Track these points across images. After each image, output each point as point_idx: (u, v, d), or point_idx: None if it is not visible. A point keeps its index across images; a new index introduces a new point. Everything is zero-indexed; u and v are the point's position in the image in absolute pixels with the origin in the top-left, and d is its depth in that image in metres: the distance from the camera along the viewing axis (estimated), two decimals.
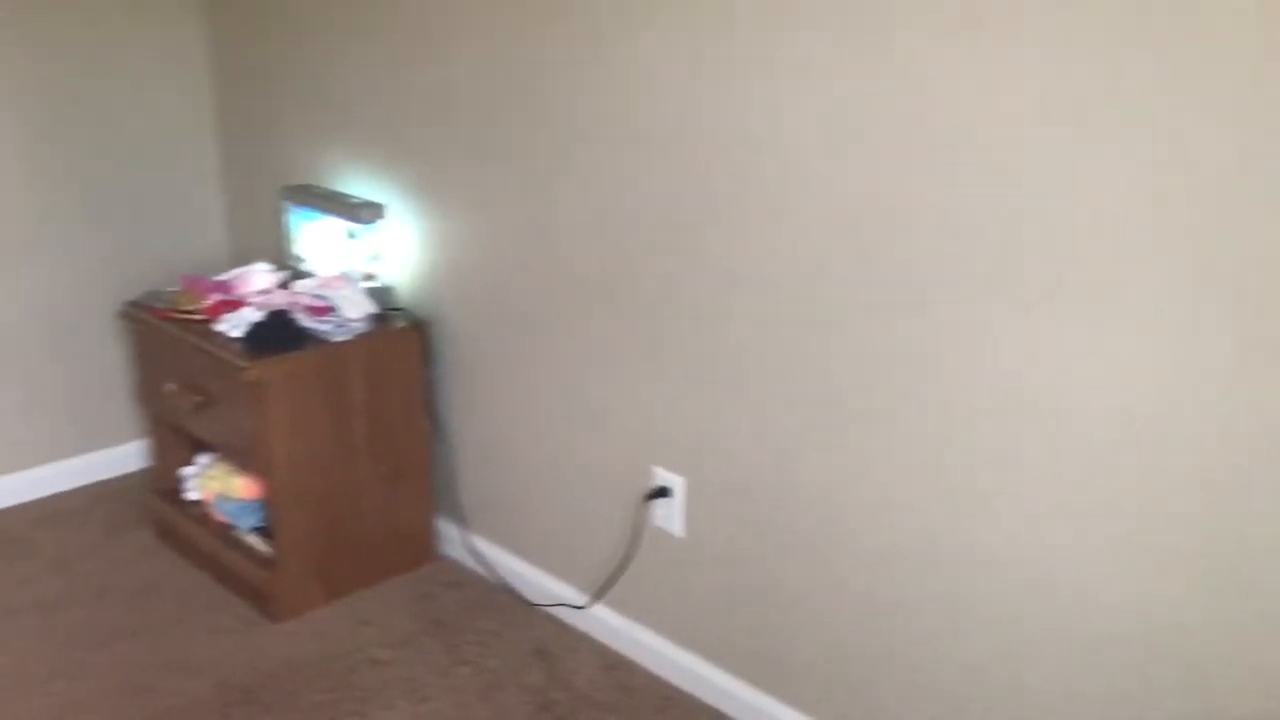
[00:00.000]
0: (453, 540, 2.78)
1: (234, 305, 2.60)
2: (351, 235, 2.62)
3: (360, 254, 2.63)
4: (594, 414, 2.34)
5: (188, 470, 2.86)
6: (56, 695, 2.27)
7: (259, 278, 2.73)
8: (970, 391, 1.73)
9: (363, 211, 2.60)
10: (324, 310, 2.52)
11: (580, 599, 2.47)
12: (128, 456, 3.22)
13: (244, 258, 3.18)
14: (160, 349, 2.65)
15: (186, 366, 2.57)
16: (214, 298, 2.62)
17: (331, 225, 2.68)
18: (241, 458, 2.57)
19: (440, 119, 2.49)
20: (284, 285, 2.74)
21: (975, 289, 1.68)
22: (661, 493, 2.22)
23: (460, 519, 2.73)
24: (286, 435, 2.44)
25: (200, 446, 2.86)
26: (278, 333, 2.45)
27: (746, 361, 2.02)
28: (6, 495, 3.01)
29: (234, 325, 2.51)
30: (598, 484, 2.37)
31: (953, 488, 1.79)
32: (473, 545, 2.70)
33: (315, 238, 2.74)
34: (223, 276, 2.76)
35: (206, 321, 2.57)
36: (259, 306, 2.59)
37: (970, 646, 1.83)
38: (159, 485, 2.88)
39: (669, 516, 2.23)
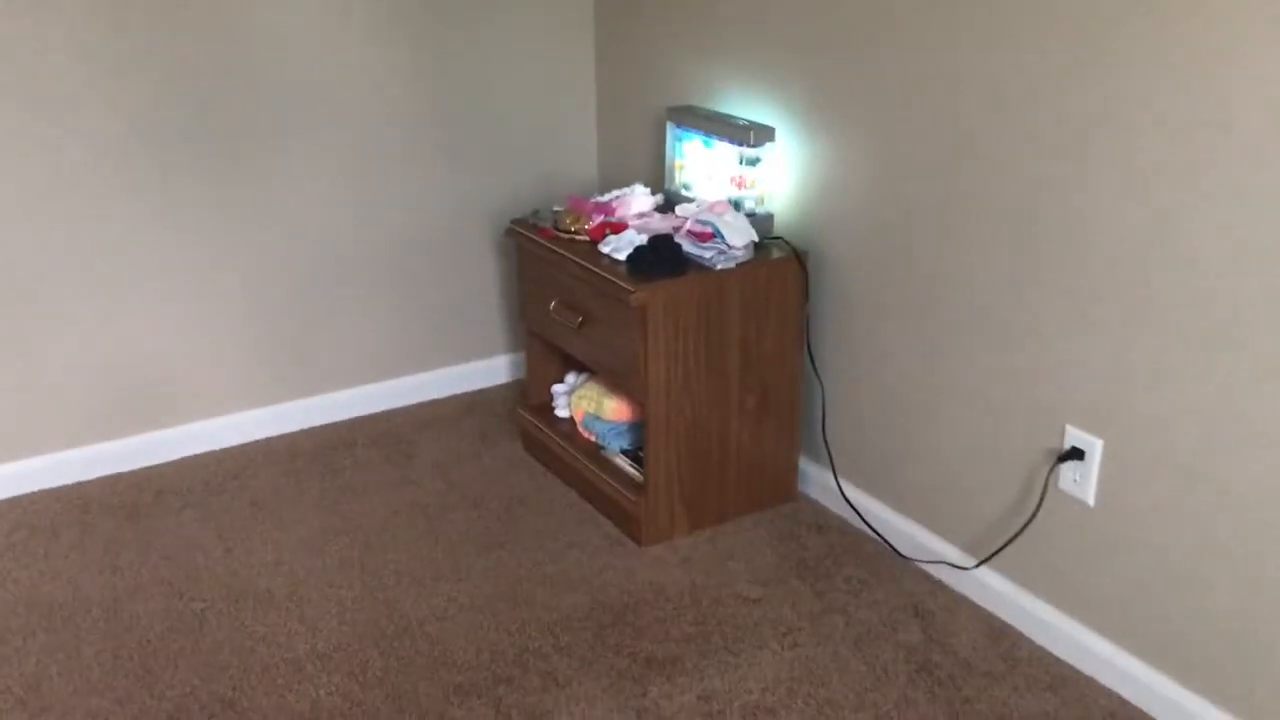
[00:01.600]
0: (814, 481, 2.69)
1: (617, 227, 2.59)
2: (740, 160, 2.53)
3: (744, 178, 2.54)
4: (994, 362, 2.16)
5: (558, 387, 2.91)
6: (443, 595, 2.37)
7: (639, 200, 2.71)
8: None
9: (753, 135, 2.51)
10: (707, 236, 2.46)
11: (963, 559, 2.31)
12: (496, 370, 3.33)
13: (613, 181, 3.19)
14: (544, 267, 2.68)
15: (569, 286, 2.59)
16: (597, 219, 2.62)
17: (715, 148, 2.60)
18: (617, 379, 2.57)
19: (830, 35, 2.35)
20: (661, 209, 2.71)
21: None
22: (1073, 455, 2.02)
23: (826, 460, 2.63)
24: (664, 360, 2.41)
25: (571, 364, 2.91)
26: (661, 258, 2.41)
27: (1191, 312, 1.78)
28: (391, 398, 3.19)
29: (617, 248, 2.49)
30: (993, 440, 2.20)
31: None
32: (839, 489, 2.59)
33: (697, 160, 2.68)
34: (604, 198, 2.76)
35: (590, 242, 2.57)
36: (641, 229, 2.56)
37: None
38: (529, 400, 2.95)
39: (1080, 482, 2.03)
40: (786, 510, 2.67)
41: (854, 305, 2.48)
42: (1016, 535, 2.16)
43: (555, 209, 2.72)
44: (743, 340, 2.50)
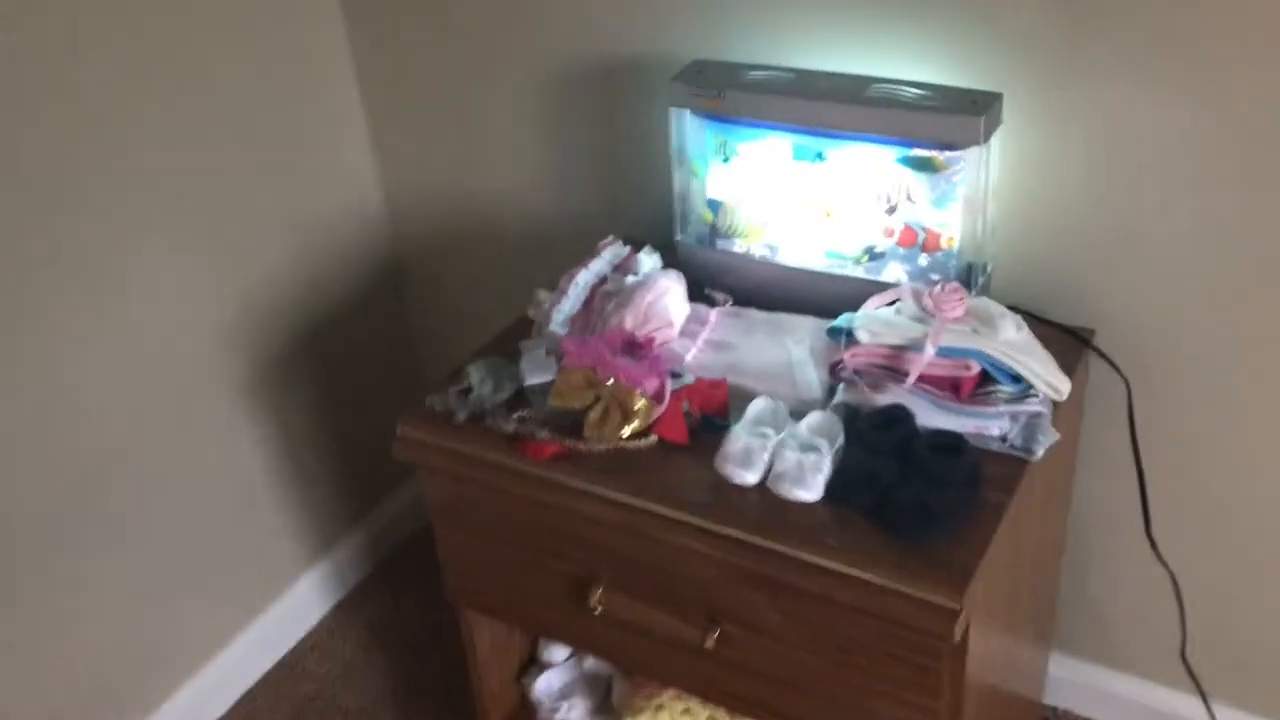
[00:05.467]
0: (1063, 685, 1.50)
1: (709, 395, 1.10)
2: (920, 168, 1.12)
3: (919, 211, 1.15)
4: None
5: (545, 684, 1.42)
6: None
7: (669, 291, 1.21)
8: None
9: (984, 122, 1.09)
10: (968, 383, 1.06)
11: None
12: (297, 612, 1.71)
13: (419, 227, 1.67)
14: (539, 517, 1.13)
15: (647, 562, 1.08)
16: (651, 386, 1.09)
17: (854, 150, 1.16)
18: None
19: None
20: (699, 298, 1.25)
21: None
22: None
23: (1181, 683, 1.41)
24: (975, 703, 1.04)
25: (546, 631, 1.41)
26: (940, 484, 0.97)
27: None
28: None
29: (786, 474, 1.02)
30: None
31: None
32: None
33: (757, 178, 1.22)
34: (569, 296, 1.21)
35: (662, 444, 1.08)
36: (774, 388, 1.11)
37: None
38: (481, 700, 1.42)
39: None
40: None
41: (1199, 421, 1.24)
42: None
43: (529, 382, 1.13)
44: (1037, 557, 1.19)
